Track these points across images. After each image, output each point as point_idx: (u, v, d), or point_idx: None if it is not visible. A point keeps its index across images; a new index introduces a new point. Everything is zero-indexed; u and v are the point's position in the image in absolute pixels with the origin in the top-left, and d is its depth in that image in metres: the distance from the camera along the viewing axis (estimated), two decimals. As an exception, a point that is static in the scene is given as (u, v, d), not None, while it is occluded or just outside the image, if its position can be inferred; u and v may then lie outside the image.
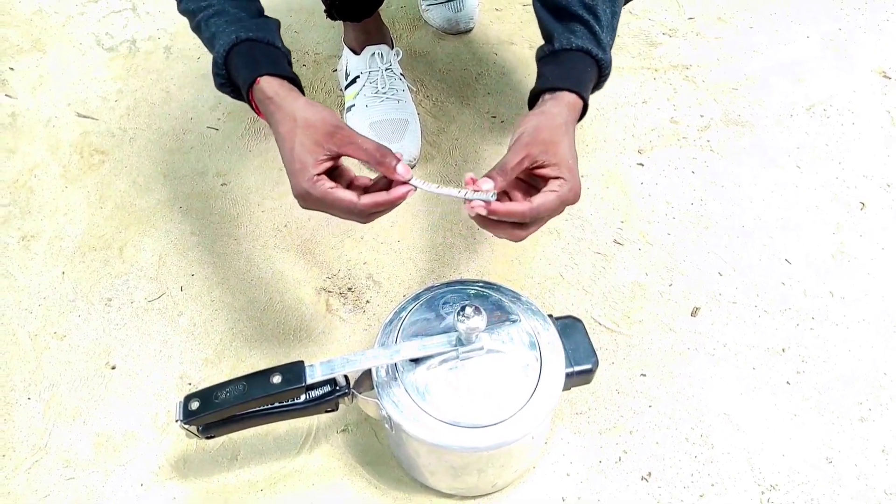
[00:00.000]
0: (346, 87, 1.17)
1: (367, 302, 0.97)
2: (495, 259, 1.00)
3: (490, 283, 0.80)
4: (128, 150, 1.14)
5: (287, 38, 1.28)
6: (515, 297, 0.78)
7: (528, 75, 1.23)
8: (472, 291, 0.78)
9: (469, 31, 1.31)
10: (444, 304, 0.76)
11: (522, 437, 0.67)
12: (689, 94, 1.20)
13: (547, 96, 0.73)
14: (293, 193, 0.68)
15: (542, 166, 0.68)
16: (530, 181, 0.71)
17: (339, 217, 0.68)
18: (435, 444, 0.67)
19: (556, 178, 0.67)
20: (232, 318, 0.94)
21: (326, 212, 0.68)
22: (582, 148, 1.13)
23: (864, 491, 0.80)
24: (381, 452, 0.83)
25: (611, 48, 0.77)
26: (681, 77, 1.23)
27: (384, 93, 1.14)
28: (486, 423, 0.67)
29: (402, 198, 0.67)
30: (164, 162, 1.12)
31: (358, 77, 1.15)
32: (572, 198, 0.68)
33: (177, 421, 0.68)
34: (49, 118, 1.18)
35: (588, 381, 0.74)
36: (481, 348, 0.69)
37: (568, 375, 0.71)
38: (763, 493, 0.80)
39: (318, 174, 0.66)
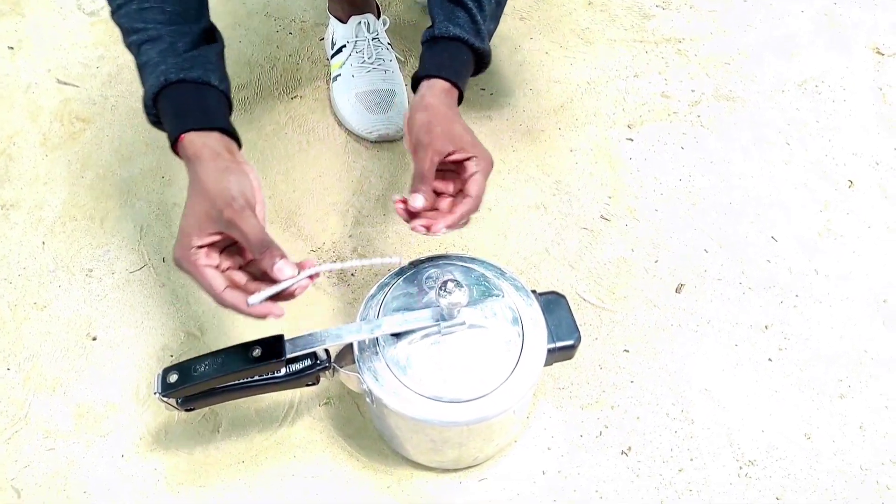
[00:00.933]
0: (332, 56, 1.15)
1: (352, 275, 0.96)
2: (481, 234, 0.99)
3: (474, 258, 0.79)
4: (109, 118, 1.12)
5: (274, 5, 1.27)
6: (499, 272, 0.77)
7: (518, 47, 1.21)
8: (456, 266, 0.77)
9: None
10: (427, 278, 0.76)
11: (503, 412, 0.67)
12: (681, 68, 1.19)
13: (424, 84, 0.76)
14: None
15: (450, 154, 0.71)
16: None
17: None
18: (415, 418, 0.67)
19: (468, 158, 0.71)
20: (215, 290, 0.93)
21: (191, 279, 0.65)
22: (572, 122, 1.12)
23: (841, 466, 0.81)
24: (363, 425, 0.83)
25: (491, 36, 0.81)
26: (673, 50, 1.21)
27: (371, 63, 1.12)
28: (466, 398, 0.67)
29: (262, 316, 0.64)
30: (146, 130, 1.10)
31: (344, 46, 1.13)
32: (490, 165, 0.73)
33: (155, 394, 0.68)
34: (28, 84, 1.16)
35: (570, 357, 0.74)
36: (463, 323, 0.69)
37: (550, 351, 0.71)
38: (741, 467, 0.81)
39: (200, 246, 0.63)
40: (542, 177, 1.05)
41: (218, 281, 0.63)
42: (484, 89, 1.16)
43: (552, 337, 0.71)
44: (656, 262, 0.97)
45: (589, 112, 1.13)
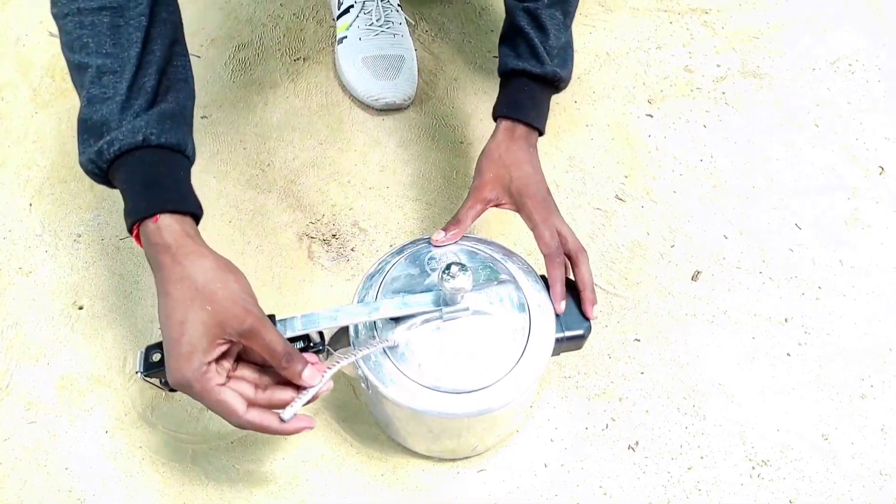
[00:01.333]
0: (339, 17, 1.08)
1: (352, 250, 0.91)
2: (490, 211, 0.94)
3: (481, 239, 0.74)
4: (103, 76, 1.06)
5: (278, -40, 1.20)
6: (507, 254, 0.73)
7: (536, 13, 1.14)
8: (461, 246, 0.72)
9: None
10: (430, 259, 0.71)
11: (506, 405, 0.63)
12: (707, 41, 1.12)
13: (500, 125, 0.76)
14: (168, 373, 0.56)
15: (500, 204, 0.75)
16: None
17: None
18: (412, 408, 0.63)
19: (532, 228, 0.72)
20: (207, 261, 0.89)
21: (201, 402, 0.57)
22: (589, 96, 1.06)
23: (859, 470, 0.77)
24: (359, 409, 0.79)
25: (568, 49, 0.78)
26: (699, 22, 1.15)
27: (379, 25, 1.06)
28: (467, 389, 0.63)
29: (297, 431, 0.58)
30: (141, 90, 1.05)
31: (351, 7, 1.06)
32: (551, 234, 0.71)
33: (137, 373, 0.64)
34: (19, 37, 1.10)
35: (579, 348, 0.70)
36: (466, 309, 0.65)
37: (558, 341, 0.66)
38: (754, 468, 0.77)
39: (209, 362, 0.55)
40: (554, 152, 1.00)
41: (239, 403, 0.56)
42: (497, 57, 1.10)
43: (561, 326, 0.67)
44: (672, 247, 0.92)
45: (607, 85, 1.07)
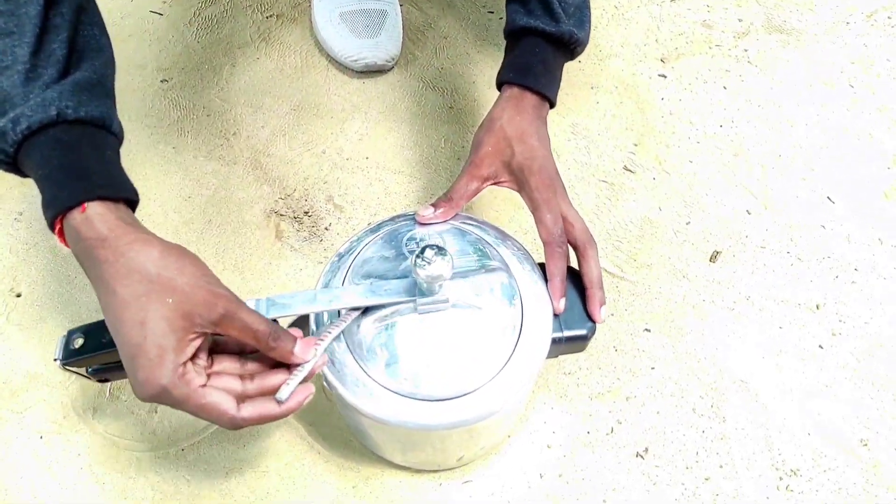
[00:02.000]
0: (315, -33, 0.97)
1: (326, 229, 0.81)
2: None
3: (470, 218, 0.64)
4: (53, 36, 0.96)
5: None
6: (500, 236, 0.62)
7: (535, -38, 1.02)
8: (446, 226, 0.62)
9: None
10: (409, 239, 0.61)
11: (489, 416, 0.53)
12: (727, -7, 1.00)
13: (505, 92, 0.65)
14: (137, 388, 0.46)
15: (498, 182, 0.64)
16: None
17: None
18: (377, 417, 0.53)
19: (533, 210, 0.62)
20: (162, 242, 0.79)
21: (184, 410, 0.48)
22: (595, 54, 0.94)
23: (903, 481, 0.67)
24: (329, 410, 0.70)
25: (584, 9, 0.66)
26: (718, -28, 1.02)
27: (359, -24, 0.94)
28: (444, 396, 0.53)
29: (298, 406, 0.50)
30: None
31: (329, -45, 0.95)
32: (555, 218, 0.60)
33: (55, 360, 0.54)
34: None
35: (580, 350, 0.59)
36: (446, 301, 0.54)
37: (555, 341, 0.56)
38: (781, 478, 0.67)
39: (184, 363, 0.46)
40: (555, 118, 0.89)
41: (228, 402, 0.47)
42: (492, 12, 0.98)
43: (560, 324, 0.57)
44: (688, 224, 0.82)
45: (615, 42, 0.95)
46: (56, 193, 0.47)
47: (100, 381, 0.59)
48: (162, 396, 0.46)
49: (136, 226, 0.48)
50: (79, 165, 0.47)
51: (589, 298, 0.58)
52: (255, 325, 0.48)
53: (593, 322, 0.58)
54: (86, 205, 0.46)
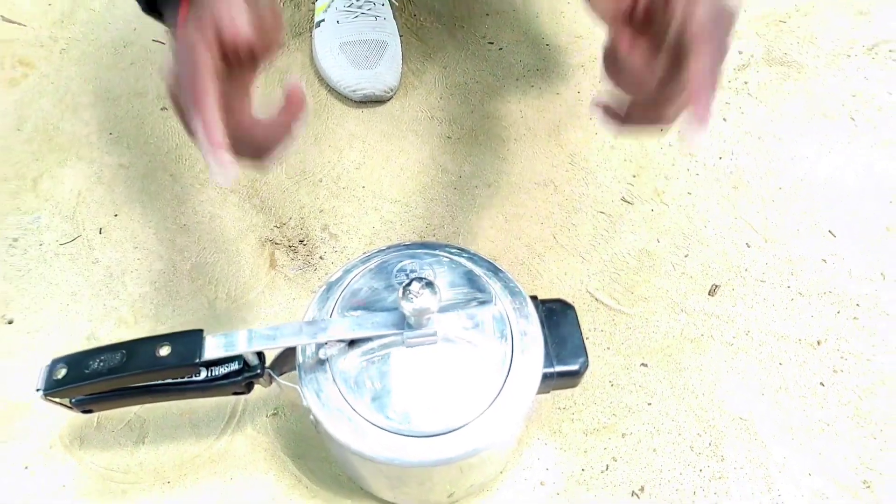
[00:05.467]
0: (317, -2, 0.98)
1: (321, 258, 0.81)
2: (478, 214, 0.83)
3: (462, 249, 0.63)
4: (57, 64, 0.97)
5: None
6: (492, 269, 0.61)
7: (535, -6, 1.03)
8: (437, 258, 0.61)
9: None
10: (398, 271, 0.60)
11: (475, 453, 0.52)
12: (727, 26, 1.00)
13: None
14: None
15: None
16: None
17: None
18: (363, 453, 0.52)
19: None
20: (156, 270, 0.79)
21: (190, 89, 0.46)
22: (594, 85, 0.94)
23: (908, 525, 0.65)
24: (317, 443, 0.68)
25: None
26: (718, 5, 1.03)
27: (359, 7, 0.95)
28: (431, 432, 0.51)
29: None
30: (97, 79, 0.95)
31: (330, -13, 0.96)
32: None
33: (38, 390, 0.53)
34: (-32, 23, 1.01)
35: (573, 385, 0.58)
36: (434, 334, 0.54)
37: (546, 377, 0.55)
38: (781, 520, 0.65)
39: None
40: (554, 148, 0.88)
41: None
42: (492, 43, 0.99)
43: (551, 359, 0.56)
44: (686, 256, 0.81)
45: (614, 73, 0.95)
46: None
47: (84, 412, 0.58)
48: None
49: None
50: None
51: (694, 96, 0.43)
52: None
53: (585, 355, 0.57)
54: None
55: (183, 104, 0.48)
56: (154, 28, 1.00)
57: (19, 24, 1.01)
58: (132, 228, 0.82)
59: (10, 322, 0.76)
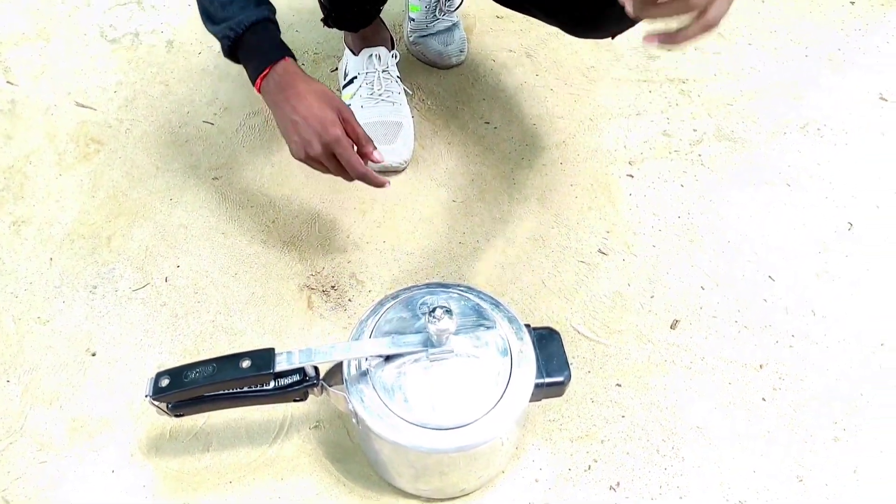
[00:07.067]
0: (344, 86, 1.18)
1: (349, 300, 0.97)
2: (480, 264, 1.00)
3: (470, 288, 0.80)
4: (123, 141, 1.15)
5: (288, 37, 1.29)
6: (494, 303, 0.78)
7: (524, 83, 1.23)
8: (451, 294, 0.78)
9: (460, 64, 1.26)
10: (421, 304, 0.77)
11: (483, 444, 0.68)
12: (684, 108, 1.21)
13: None
14: (311, 128, 0.83)
15: None
16: None
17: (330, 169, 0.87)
18: (396, 442, 0.67)
19: None
20: (213, 311, 0.95)
21: (327, 159, 0.86)
22: (574, 157, 1.13)
23: (833, 511, 0.80)
24: (352, 450, 0.83)
25: None
26: (676, 91, 1.23)
27: (379, 94, 1.14)
28: (448, 426, 0.67)
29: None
30: (157, 154, 1.13)
31: (355, 78, 1.16)
32: None
33: (146, 397, 0.69)
34: (48, 106, 1.20)
35: (559, 394, 0.74)
36: (451, 351, 0.70)
37: (538, 386, 0.71)
38: (731, 508, 0.80)
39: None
40: (541, 210, 1.06)
41: (356, 156, 0.86)
42: (488, 122, 1.18)
43: (542, 372, 0.72)
44: (652, 297, 0.98)
45: (590, 148, 1.15)
46: (268, 53, 0.86)
47: (177, 415, 0.73)
48: (335, 142, 0.84)
49: (303, 71, 0.87)
50: (277, 42, 0.88)
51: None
52: (361, 130, 0.88)
53: (568, 368, 0.73)
54: (287, 58, 0.86)
55: (325, 160, 0.86)
56: (204, 111, 1.19)
57: (91, 108, 1.20)
58: (192, 277, 0.98)
59: (94, 354, 0.91)
